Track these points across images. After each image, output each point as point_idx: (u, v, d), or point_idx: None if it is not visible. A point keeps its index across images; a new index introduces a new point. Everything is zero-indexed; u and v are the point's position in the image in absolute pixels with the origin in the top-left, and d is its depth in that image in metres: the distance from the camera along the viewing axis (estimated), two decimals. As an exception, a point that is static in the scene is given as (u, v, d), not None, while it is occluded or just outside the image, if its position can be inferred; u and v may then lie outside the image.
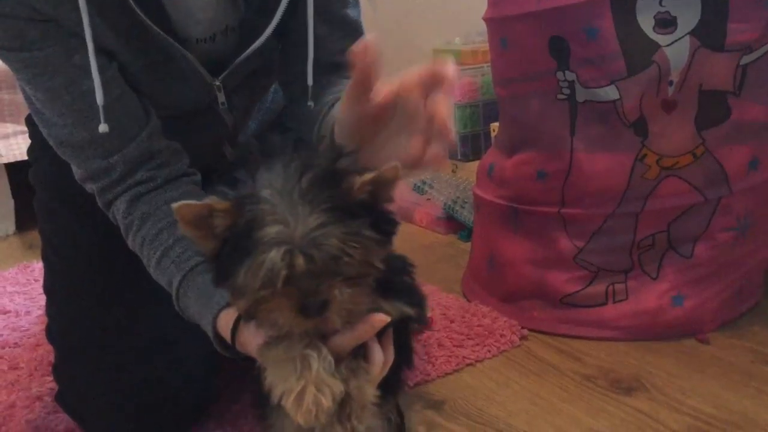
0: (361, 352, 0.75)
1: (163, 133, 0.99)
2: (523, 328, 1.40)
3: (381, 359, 0.75)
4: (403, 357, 0.90)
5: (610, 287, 1.35)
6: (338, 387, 0.69)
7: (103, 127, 0.89)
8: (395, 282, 0.79)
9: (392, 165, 0.66)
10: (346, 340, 0.72)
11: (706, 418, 1.08)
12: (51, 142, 0.97)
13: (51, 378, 1.25)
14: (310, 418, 0.67)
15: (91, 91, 0.90)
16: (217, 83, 1.01)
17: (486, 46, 2.14)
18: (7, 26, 0.86)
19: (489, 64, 1.57)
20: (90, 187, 0.97)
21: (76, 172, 0.98)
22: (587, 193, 1.32)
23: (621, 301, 1.35)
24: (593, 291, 1.36)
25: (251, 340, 0.77)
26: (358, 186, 0.66)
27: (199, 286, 0.87)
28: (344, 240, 0.65)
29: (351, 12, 1.05)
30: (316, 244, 0.64)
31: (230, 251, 0.68)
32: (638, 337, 1.33)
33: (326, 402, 0.67)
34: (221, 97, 1.03)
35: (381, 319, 0.72)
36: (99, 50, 0.91)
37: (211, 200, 0.68)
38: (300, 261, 0.64)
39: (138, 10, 0.88)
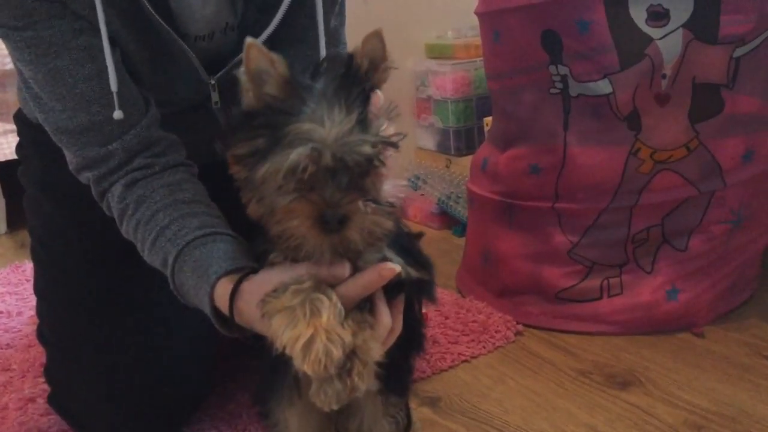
0: (367, 307, 0.73)
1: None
2: (518, 323, 1.40)
3: (388, 321, 0.72)
4: (414, 341, 0.90)
5: (605, 282, 1.35)
6: (348, 338, 0.66)
7: (118, 114, 0.88)
8: (411, 245, 0.78)
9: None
10: (352, 288, 0.70)
11: (702, 412, 1.08)
12: (48, 128, 0.95)
13: (43, 379, 1.24)
14: (318, 369, 0.64)
15: (93, 76, 0.89)
16: (212, 82, 1.00)
17: (478, 41, 2.13)
18: (15, 4, 0.85)
19: (481, 58, 1.56)
20: (86, 176, 0.96)
21: (71, 161, 0.96)
22: (581, 187, 1.32)
23: (616, 295, 1.35)
24: (588, 285, 1.36)
25: (251, 299, 0.75)
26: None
27: (196, 259, 0.85)
28: (376, 145, 0.65)
29: (333, 21, 1.05)
30: (348, 147, 0.65)
31: (260, 135, 0.68)
32: (633, 331, 1.33)
33: (336, 352, 0.64)
34: (215, 96, 1.02)
35: (390, 268, 0.69)
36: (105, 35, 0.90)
37: (279, 57, 0.68)
38: (328, 158, 0.64)
39: (144, 1, 0.88)
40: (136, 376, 1.07)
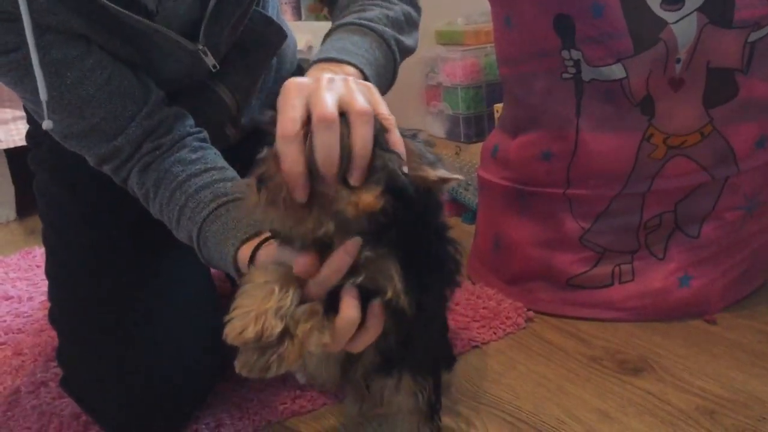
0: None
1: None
2: (528, 310, 1.39)
3: (353, 314, 0.70)
4: (438, 327, 0.90)
5: (617, 268, 1.35)
6: (275, 329, 0.67)
7: (47, 124, 0.88)
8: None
9: None
10: (324, 274, 0.69)
11: (714, 398, 1.08)
12: (56, 137, 0.97)
13: (55, 363, 1.25)
14: (231, 335, 0.67)
15: (76, 83, 0.90)
16: (200, 47, 1.00)
17: (489, 27, 2.12)
18: None
19: (492, 44, 1.55)
20: (105, 169, 0.98)
21: (89, 160, 0.98)
22: (593, 173, 1.31)
23: (627, 282, 1.34)
24: (599, 272, 1.35)
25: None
26: None
27: (215, 233, 0.88)
28: None
29: None
30: None
31: None
32: (645, 318, 1.32)
33: (249, 335, 0.66)
34: (209, 60, 1.01)
35: (354, 242, 0.67)
36: (76, 36, 0.90)
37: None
38: None
39: None
40: (146, 359, 1.07)
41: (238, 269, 0.85)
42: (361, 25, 0.97)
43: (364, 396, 0.91)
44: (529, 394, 1.13)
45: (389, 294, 0.67)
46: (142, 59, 0.98)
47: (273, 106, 1.28)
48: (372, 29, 0.97)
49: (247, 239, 0.84)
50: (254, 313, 0.66)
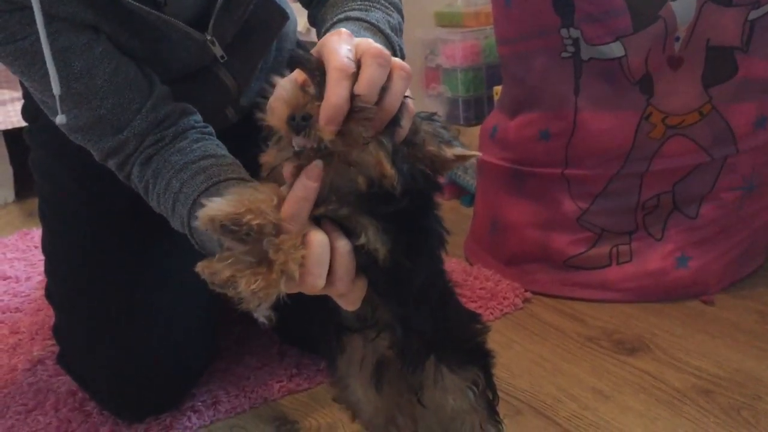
0: None
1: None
2: (526, 290, 1.39)
3: (320, 238, 0.64)
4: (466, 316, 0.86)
5: (614, 249, 1.34)
6: (264, 225, 0.61)
7: (60, 119, 0.87)
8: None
9: None
10: (289, 204, 0.64)
11: (710, 378, 1.08)
12: (63, 131, 0.95)
13: (52, 342, 1.25)
14: (211, 214, 0.61)
15: (84, 72, 0.88)
16: (209, 37, 0.99)
17: (489, 8, 2.10)
18: None
19: (492, 26, 1.54)
20: (110, 164, 0.96)
21: (95, 155, 0.96)
22: (591, 153, 1.30)
23: (625, 262, 1.34)
24: (597, 253, 1.35)
25: None
26: None
27: None
28: None
29: None
30: None
31: None
32: (642, 298, 1.32)
33: (237, 217, 0.60)
34: (217, 51, 1.01)
35: (315, 166, 0.63)
36: (83, 26, 0.89)
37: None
38: None
39: None
40: (142, 334, 1.07)
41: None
42: (371, 24, 0.95)
43: (419, 415, 0.85)
44: (525, 373, 1.13)
45: (361, 239, 0.65)
46: (149, 51, 0.97)
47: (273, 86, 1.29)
48: (381, 31, 0.95)
49: None
50: (246, 200, 0.62)
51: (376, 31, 0.94)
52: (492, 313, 1.32)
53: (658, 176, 1.29)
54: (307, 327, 1.08)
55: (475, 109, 2.17)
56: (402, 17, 1.04)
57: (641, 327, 1.24)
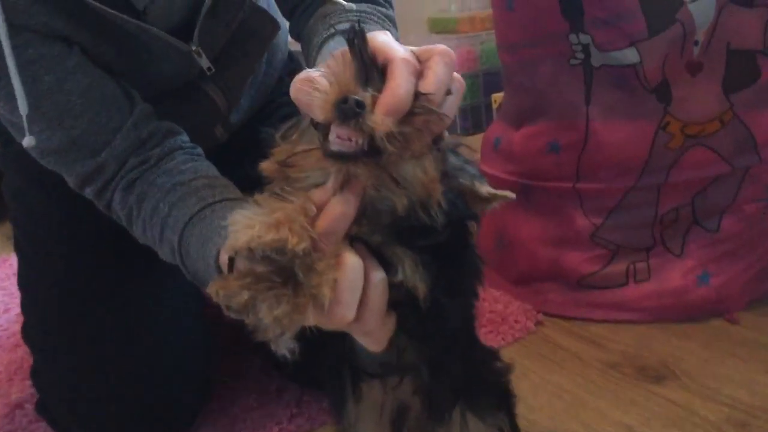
0: None
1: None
2: (538, 312, 1.31)
3: (354, 261, 0.55)
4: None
5: (631, 266, 1.26)
6: (300, 244, 0.51)
7: (28, 141, 0.76)
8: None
9: None
10: (325, 220, 0.55)
11: (745, 407, 1.00)
12: (33, 155, 0.85)
13: (32, 383, 1.16)
14: (240, 238, 0.51)
15: (53, 89, 0.79)
16: (194, 48, 0.90)
17: (484, 13, 2.04)
18: None
19: (487, 31, 1.47)
20: (87, 192, 0.86)
21: (69, 181, 0.87)
22: (605, 165, 1.22)
23: (643, 280, 1.26)
24: (613, 271, 1.27)
25: None
26: None
27: (197, 236, 0.76)
28: None
29: None
30: None
31: None
32: (662, 319, 1.24)
33: (264, 238, 0.50)
34: (204, 62, 0.92)
35: (357, 184, 0.55)
36: (54, 37, 0.80)
37: None
38: None
39: None
40: (126, 379, 0.98)
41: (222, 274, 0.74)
42: None
43: None
44: (545, 406, 1.05)
45: (399, 275, 0.57)
46: (129, 64, 0.88)
47: (263, 102, 1.21)
48: None
49: None
50: (278, 215, 0.52)
51: None
52: (504, 339, 1.23)
53: (676, 188, 1.21)
54: (311, 365, 1.00)
55: (472, 118, 2.09)
56: (396, 30, 0.96)
57: (664, 351, 1.16)
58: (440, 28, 2.15)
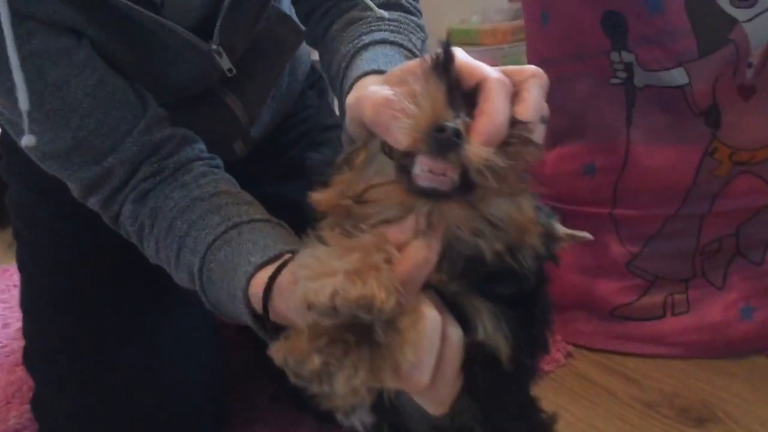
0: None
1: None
2: (567, 343, 1.24)
3: (433, 314, 0.49)
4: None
5: (669, 298, 1.19)
6: (388, 302, 0.44)
7: (27, 140, 0.68)
8: None
9: None
10: (405, 265, 0.47)
11: (797, 457, 0.93)
12: (34, 158, 0.78)
13: (31, 410, 1.09)
14: (319, 295, 0.43)
15: (60, 84, 0.72)
16: (214, 46, 0.82)
17: (507, 25, 1.98)
18: None
19: (510, 44, 1.40)
20: (92, 202, 0.79)
21: (73, 189, 0.79)
22: (645, 191, 1.15)
23: (681, 313, 1.19)
24: (649, 302, 1.20)
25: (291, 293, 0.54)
26: None
27: (221, 262, 0.69)
28: None
29: None
30: None
31: None
32: (701, 355, 1.17)
33: (349, 295, 0.42)
34: (224, 63, 0.84)
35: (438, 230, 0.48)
36: (62, 29, 0.73)
37: None
38: None
39: None
40: (138, 409, 0.91)
41: (251, 309, 0.65)
42: (412, 53, 0.79)
43: None
44: (582, 451, 0.98)
45: (479, 332, 0.49)
46: (143, 63, 0.81)
47: (285, 115, 1.14)
48: None
49: (266, 263, 0.64)
50: (357, 261, 0.44)
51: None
52: (533, 372, 1.16)
53: (721, 218, 1.14)
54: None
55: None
56: (427, 42, 0.89)
57: (705, 390, 1.10)
58: (461, 39, 2.08)
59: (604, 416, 1.06)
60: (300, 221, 0.75)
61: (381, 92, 0.49)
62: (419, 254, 0.47)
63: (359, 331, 0.45)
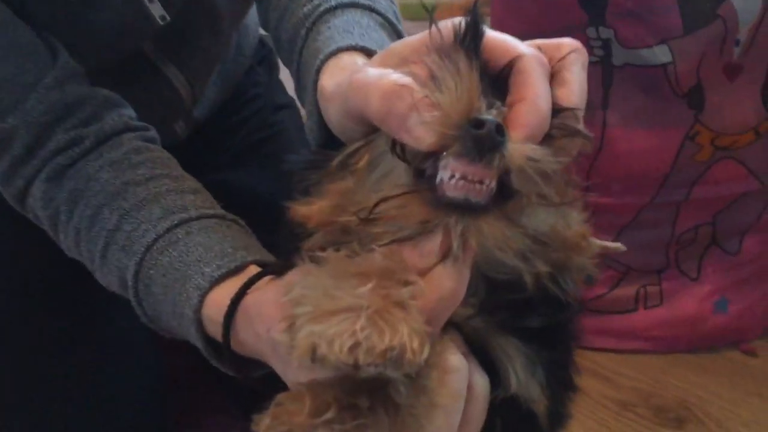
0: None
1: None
2: (535, 338, 1.17)
3: (457, 363, 0.40)
4: None
5: (642, 290, 1.13)
6: (420, 353, 0.34)
7: None
8: None
9: None
10: (432, 299, 0.38)
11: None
12: None
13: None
14: (338, 359, 0.33)
15: None
16: None
17: (464, -1, 1.88)
18: None
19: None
20: None
21: None
22: (620, 177, 1.08)
23: (654, 306, 1.13)
24: (621, 294, 1.14)
25: (263, 317, 0.45)
26: None
27: (166, 267, 0.57)
28: None
29: None
30: None
31: None
32: (674, 349, 1.12)
33: (379, 346, 0.33)
34: (157, 9, 0.70)
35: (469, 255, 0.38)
36: None
37: None
38: None
39: None
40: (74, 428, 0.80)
41: (202, 331, 0.54)
42: (385, 18, 0.68)
43: None
44: (558, 458, 0.91)
45: (512, 384, 0.40)
46: (55, 7, 0.67)
47: (232, 93, 1.02)
48: (397, 32, 0.68)
49: (224, 276, 0.54)
50: (379, 299, 0.34)
51: (391, 31, 0.68)
52: (500, 370, 1.09)
53: (698, 206, 1.08)
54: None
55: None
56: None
57: (681, 388, 1.04)
58: (413, 14, 1.98)
59: (577, 417, 0.98)
60: (253, 214, 0.64)
61: (391, 77, 0.39)
62: (445, 285, 0.37)
63: (373, 390, 0.35)
